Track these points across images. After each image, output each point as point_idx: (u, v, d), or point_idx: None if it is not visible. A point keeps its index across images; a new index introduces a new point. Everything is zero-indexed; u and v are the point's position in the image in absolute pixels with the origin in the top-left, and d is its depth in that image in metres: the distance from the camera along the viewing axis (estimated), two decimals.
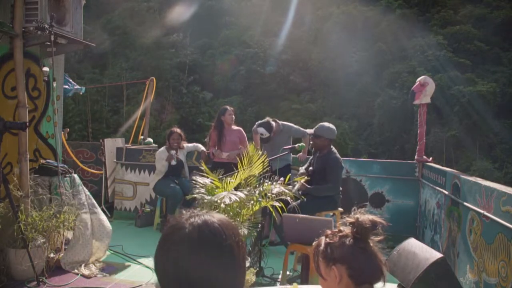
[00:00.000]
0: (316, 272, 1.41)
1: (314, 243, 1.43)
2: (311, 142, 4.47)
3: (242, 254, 1.03)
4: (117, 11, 29.47)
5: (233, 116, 5.43)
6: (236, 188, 3.52)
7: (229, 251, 0.99)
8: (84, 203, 4.08)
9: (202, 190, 3.48)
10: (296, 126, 5.35)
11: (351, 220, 1.38)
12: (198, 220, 1.01)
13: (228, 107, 5.50)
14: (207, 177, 3.60)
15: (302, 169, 4.60)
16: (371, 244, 1.36)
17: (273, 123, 5.18)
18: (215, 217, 1.03)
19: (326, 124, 4.43)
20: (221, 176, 3.63)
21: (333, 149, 4.39)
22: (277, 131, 5.20)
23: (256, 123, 5.41)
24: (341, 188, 4.41)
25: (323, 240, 1.41)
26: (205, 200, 3.31)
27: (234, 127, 5.45)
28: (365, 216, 1.37)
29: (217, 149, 5.32)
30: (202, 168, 3.83)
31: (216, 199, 3.19)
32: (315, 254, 1.41)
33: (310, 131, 4.65)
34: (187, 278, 0.96)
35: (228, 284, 0.99)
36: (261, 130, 5.12)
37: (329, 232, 1.42)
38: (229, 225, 1.04)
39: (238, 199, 3.21)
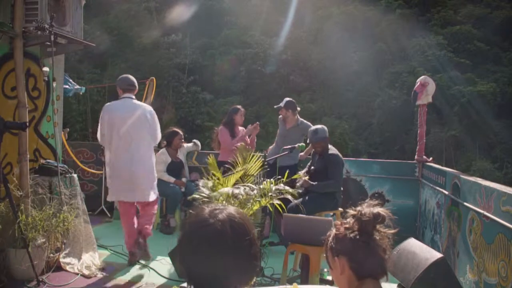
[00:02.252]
0: (327, 262, 1.43)
1: (328, 234, 1.45)
2: (317, 149, 4.46)
3: (258, 244, 1.12)
4: (116, 11, 29.46)
5: (244, 118, 5.42)
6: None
7: (253, 243, 1.07)
8: (79, 207, 4.10)
9: (205, 191, 3.47)
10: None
11: (354, 212, 1.38)
12: (223, 215, 1.06)
13: (240, 107, 5.48)
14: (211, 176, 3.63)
15: (302, 172, 4.62)
16: (378, 238, 1.33)
17: (296, 107, 5.09)
18: (234, 210, 1.10)
19: (318, 126, 4.44)
20: (224, 176, 3.64)
21: (332, 147, 4.43)
22: (294, 125, 5.09)
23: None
24: (342, 188, 4.42)
25: (333, 231, 1.42)
26: (206, 198, 3.32)
27: (239, 127, 5.46)
28: (368, 209, 1.36)
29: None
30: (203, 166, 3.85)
31: (219, 195, 3.20)
32: (326, 244, 1.42)
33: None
34: (217, 269, 1.01)
35: (251, 271, 1.08)
36: (285, 100, 5.10)
37: (338, 223, 1.42)
38: (246, 217, 1.11)
39: (243, 194, 3.22)
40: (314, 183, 4.27)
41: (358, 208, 1.37)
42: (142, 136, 3.98)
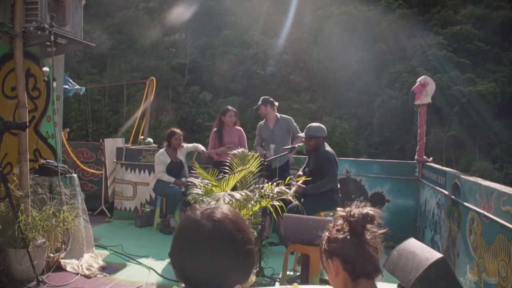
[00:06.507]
0: (322, 265, 1.42)
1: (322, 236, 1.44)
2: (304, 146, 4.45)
3: (253, 242, 1.10)
4: (116, 12, 29.45)
5: (234, 118, 5.41)
6: (233, 189, 3.52)
7: (247, 240, 1.06)
8: (79, 206, 4.10)
9: (199, 191, 3.48)
10: (295, 124, 5.35)
11: (343, 213, 1.38)
12: (215, 214, 1.05)
13: (230, 108, 5.49)
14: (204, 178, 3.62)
15: (299, 172, 4.61)
16: (369, 238, 1.33)
17: (273, 102, 5.25)
18: (226, 209, 1.09)
19: (315, 124, 4.43)
20: (219, 177, 3.64)
21: (325, 145, 4.37)
22: (276, 121, 5.27)
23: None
24: (339, 185, 4.39)
25: (326, 233, 1.41)
26: (203, 201, 3.31)
27: (235, 127, 5.44)
28: (356, 209, 1.36)
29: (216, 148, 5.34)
30: (199, 166, 3.84)
31: (212, 201, 3.19)
32: (321, 247, 1.42)
33: (301, 134, 4.59)
34: (213, 269, 1.01)
35: (248, 268, 1.07)
36: (261, 99, 5.28)
37: (331, 225, 1.42)
38: (239, 215, 1.10)
39: (234, 200, 3.20)
40: (308, 186, 4.23)
41: (347, 208, 1.37)
42: None
